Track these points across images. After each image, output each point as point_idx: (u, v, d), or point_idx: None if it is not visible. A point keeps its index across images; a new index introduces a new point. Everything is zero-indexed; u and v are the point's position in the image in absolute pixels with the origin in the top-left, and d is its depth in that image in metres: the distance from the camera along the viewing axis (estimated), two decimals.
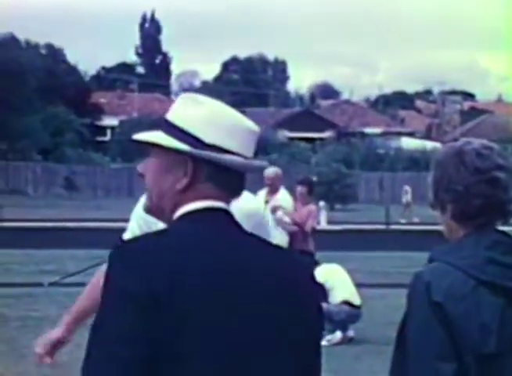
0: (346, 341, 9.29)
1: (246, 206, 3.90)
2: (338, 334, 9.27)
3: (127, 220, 3.60)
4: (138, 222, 3.51)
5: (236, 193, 1.90)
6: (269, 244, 1.93)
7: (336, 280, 9.47)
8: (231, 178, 1.87)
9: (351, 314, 9.36)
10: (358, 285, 9.98)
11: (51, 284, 12.94)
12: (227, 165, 1.84)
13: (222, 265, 1.75)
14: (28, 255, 17.34)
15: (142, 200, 3.61)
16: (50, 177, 45.79)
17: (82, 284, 13.28)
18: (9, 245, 18.42)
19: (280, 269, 1.84)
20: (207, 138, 1.83)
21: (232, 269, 1.76)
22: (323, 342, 8.81)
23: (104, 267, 3.32)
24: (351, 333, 9.41)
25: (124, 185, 42.29)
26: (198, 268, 1.72)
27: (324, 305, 8.94)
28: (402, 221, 31.15)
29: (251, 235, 1.89)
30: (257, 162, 1.93)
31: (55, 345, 3.30)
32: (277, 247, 1.94)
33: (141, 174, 1.93)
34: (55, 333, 3.36)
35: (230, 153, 1.85)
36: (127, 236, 3.51)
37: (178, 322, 1.67)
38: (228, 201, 1.87)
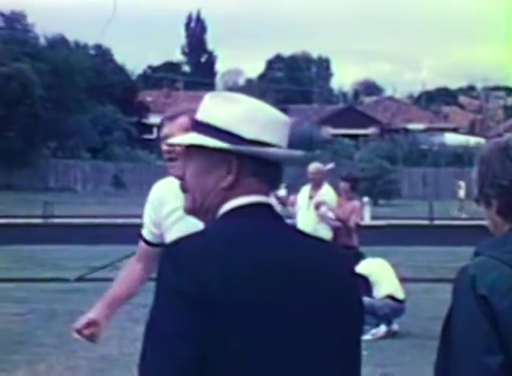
0: (390, 335, 9.24)
1: None
2: (382, 328, 9.21)
3: None
4: (151, 217, 3.66)
5: (276, 185, 1.91)
6: (311, 236, 1.92)
7: (380, 274, 9.42)
8: (272, 172, 1.87)
9: (395, 308, 9.31)
10: (403, 279, 9.92)
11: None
12: (272, 159, 1.84)
13: (273, 262, 1.74)
14: (78, 251, 17.53)
15: (154, 193, 3.72)
16: (98, 175, 46.25)
17: None
18: (59, 241, 18.66)
19: (325, 262, 1.83)
20: (248, 134, 1.83)
21: (282, 266, 1.75)
22: (368, 336, 8.79)
23: (133, 260, 3.40)
24: (395, 327, 9.35)
25: None
26: (250, 266, 1.71)
27: (368, 299, 8.90)
28: (461, 215, 30.86)
29: (293, 228, 1.90)
30: (298, 152, 1.93)
31: (90, 324, 3.52)
32: (319, 240, 1.93)
33: (178, 177, 1.93)
34: (91, 313, 3.59)
35: (271, 147, 1.84)
36: (144, 232, 3.75)
37: (231, 321, 1.67)
38: (269, 195, 1.87)
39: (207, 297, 1.65)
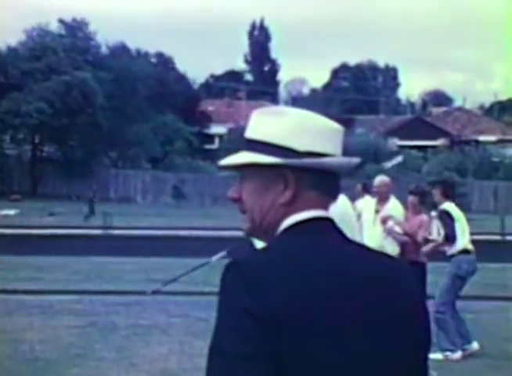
0: (466, 355, 9.10)
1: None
2: (458, 353, 9.08)
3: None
4: None
5: (335, 197, 1.89)
6: (376, 252, 1.89)
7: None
8: (331, 183, 1.86)
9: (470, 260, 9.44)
10: (475, 298, 9.77)
11: (154, 292, 13.15)
12: (328, 168, 1.83)
13: (340, 281, 1.72)
14: (137, 263, 17.68)
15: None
16: (159, 185, 46.66)
17: (188, 293, 13.47)
18: (118, 253, 18.86)
19: (392, 279, 1.81)
20: (300, 146, 1.82)
21: (349, 284, 1.73)
22: (441, 356, 8.70)
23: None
24: (473, 346, 9.19)
25: None
26: (317, 285, 1.69)
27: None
28: None
29: (357, 244, 1.88)
30: (354, 160, 1.90)
31: None
32: (385, 256, 1.90)
33: (234, 199, 1.92)
34: None
35: (326, 157, 1.83)
36: None
37: (300, 344, 1.64)
38: (328, 207, 1.86)
39: (274, 318, 1.63)
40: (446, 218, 9.42)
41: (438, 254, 9.58)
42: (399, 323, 1.77)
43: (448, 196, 9.72)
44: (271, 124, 1.85)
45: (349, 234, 1.90)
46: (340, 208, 4.30)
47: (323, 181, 1.84)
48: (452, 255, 9.41)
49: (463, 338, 9.18)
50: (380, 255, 1.88)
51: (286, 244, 1.77)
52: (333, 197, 1.88)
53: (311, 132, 1.84)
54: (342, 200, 4.68)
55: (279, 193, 1.82)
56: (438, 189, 9.72)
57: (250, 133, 1.89)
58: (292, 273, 1.68)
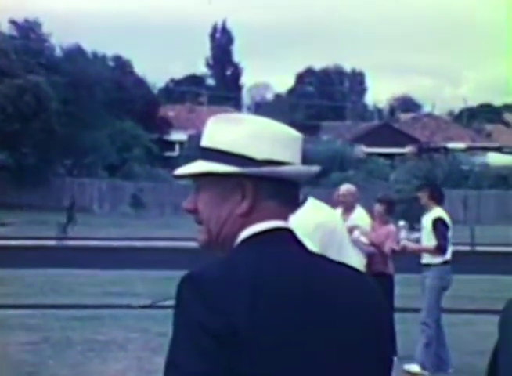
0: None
1: (315, 217, 3.92)
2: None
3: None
4: None
5: (295, 207, 1.90)
6: (337, 263, 1.90)
7: None
8: (290, 192, 1.87)
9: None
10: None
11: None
12: (287, 177, 1.84)
13: (300, 292, 1.73)
14: (93, 276, 17.58)
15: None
16: (116, 194, 46.43)
17: (147, 307, 13.25)
18: (74, 265, 18.72)
19: (354, 291, 1.83)
20: (258, 154, 1.83)
21: (310, 295, 1.74)
22: (418, 368, 8.82)
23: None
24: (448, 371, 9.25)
25: None
26: (278, 300, 1.69)
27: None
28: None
29: (318, 255, 1.89)
30: (314, 168, 1.91)
31: None
32: (347, 267, 1.91)
33: (190, 210, 1.92)
34: None
35: (285, 165, 1.84)
36: None
37: (258, 357, 1.64)
38: (288, 217, 1.87)
39: (232, 332, 1.62)
40: (441, 227, 9.41)
41: (407, 254, 9.57)
42: (362, 336, 1.78)
43: (436, 199, 9.75)
44: (227, 131, 1.85)
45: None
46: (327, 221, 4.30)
47: (282, 190, 1.84)
48: (432, 265, 9.39)
49: (442, 361, 9.22)
50: (342, 267, 1.89)
51: (244, 256, 1.77)
52: (293, 207, 1.89)
53: (270, 140, 1.84)
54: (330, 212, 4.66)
55: (237, 203, 1.82)
56: (425, 193, 9.75)
57: (206, 141, 1.89)
58: (251, 287, 1.68)
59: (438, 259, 9.38)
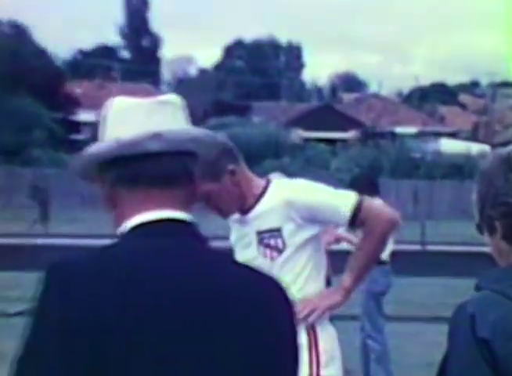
0: None
1: (280, 194, 4.02)
2: None
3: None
4: None
5: (181, 190, 1.95)
6: (237, 264, 1.95)
7: None
8: (156, 172, 1.93)
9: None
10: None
11: (17, 314, 12.96)
12: (111, 155, 1.98)
13: (174, 290, 1.77)
14: None
15: None
16: (14, 183, 45.88)
17: None
18: None
19: (249, 291, 1.86)
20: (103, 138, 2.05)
21: (171, 300, 1.76)
22: None
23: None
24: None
25: None
26: (151, 288, 1.74)
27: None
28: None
29: (215, 251, 1.92)
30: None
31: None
32: (247, 268, 1.94)
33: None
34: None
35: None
36: None
37: (127, 349, 1.68)
38: (172, 202, 1.91)
39: (98, 324, 1.67)
40: None
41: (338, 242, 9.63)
42: (254, 333, 1.82)
43: (369, 192, 9.88)
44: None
45: None
46: None
47: (143, 172, 1.91)
48: None
49: None
50: (241, 268, 1.93)
51: (122, 245, 1.85)
52: (179, 190, 1.92)
53: (112, 118, 2.05)
54: None
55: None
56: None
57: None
58: (124, 275, 1.73)
59: None
